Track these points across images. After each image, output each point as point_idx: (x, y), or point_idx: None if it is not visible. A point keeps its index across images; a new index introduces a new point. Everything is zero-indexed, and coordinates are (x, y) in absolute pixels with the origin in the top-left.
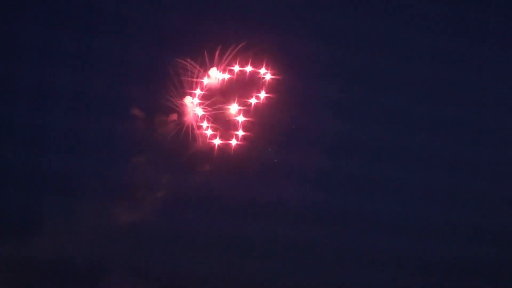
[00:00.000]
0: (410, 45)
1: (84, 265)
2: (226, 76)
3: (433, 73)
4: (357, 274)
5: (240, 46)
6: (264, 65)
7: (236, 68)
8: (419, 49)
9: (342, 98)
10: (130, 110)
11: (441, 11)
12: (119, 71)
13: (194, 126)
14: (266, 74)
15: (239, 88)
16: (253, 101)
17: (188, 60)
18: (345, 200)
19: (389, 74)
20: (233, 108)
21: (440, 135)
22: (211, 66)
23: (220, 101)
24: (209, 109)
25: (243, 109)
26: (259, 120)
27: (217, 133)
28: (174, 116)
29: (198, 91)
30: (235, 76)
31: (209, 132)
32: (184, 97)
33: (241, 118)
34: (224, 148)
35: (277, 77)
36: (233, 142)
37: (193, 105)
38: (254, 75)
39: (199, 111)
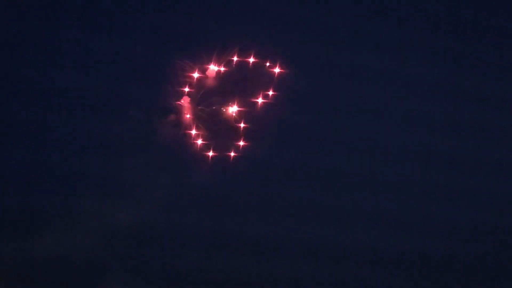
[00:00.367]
0: (410, 43)
1: (84, 265)
2: (226, 74)
3: (432, 72)
4: (357, 272)
5: (240, 45)
6: (266, 63)
7: (236, 66)
8: (419, 48)
9: (342, 97)
10: (130, 109)
11: (442, 10)
12: (119, 71)
13: (191, 128)
14: (270, 69)
15: (239, 88)
16: (252, 101)
17: (188, 60)
18: (344, 198)
19: (389, 72)
20: (233, 109)
21: (440, 133)
22: (210, 65)
23: (219, 101)
24: (207, 110)
25: (244, 110)
26: (259, 120)
27: (212, 142)
28: (173, 116)
29: (197, 91)
30: (235, 75)
31: (200, 141)
32: (183, 97)
33: (241, 124)
34: (223, 148)
35: (276, 76)
36: (232, 153)
37: (191, 105)
38: (253, 74)
39: (197, 112)
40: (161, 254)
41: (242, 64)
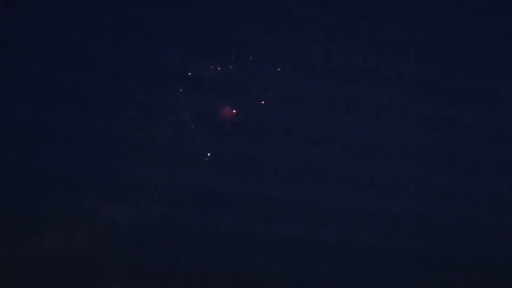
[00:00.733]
0: (410, 43)
1: (83, 265)
2: (225, 74)
3: (431, 71)
4: (356, 271)
5: (239, 44)
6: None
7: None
8: (417, 47)
9: (341, 96)
10: (130, 109)
11: (442, 10)
12: (118, 70)
13: (190, 128)
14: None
15: (238, 88)
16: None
17: (187, 59)
18: (344, 197)
19: (387, 72)
20: (231, 109)
21: (439, 133)
22: (209, 65)
23: (218, 101)
24: (206, 109)
25: (243, 110)
26: (258, 120)
27: (211, 142)
28: (171, 115)
29: (196, 90)
30: (234, 74)
31: (200, 140)
32: (182, 95)
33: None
34: (222, 147)
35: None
36: (231, 152)
37: (190, 105)
38: (252, 74)
39: (196, 111)
40: (161, 253)
41: (241, 63)
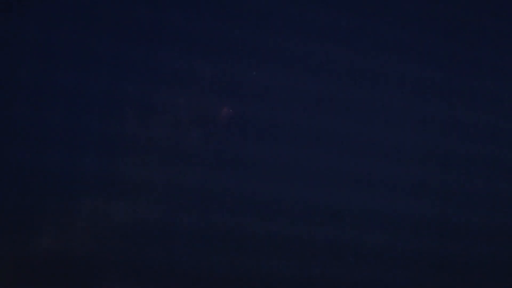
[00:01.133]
0: (408, 43)
1: (82, 264)
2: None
3: (430, 70)
4: (355, 271)
5: (238, 44)
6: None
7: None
8: (417, 48)
9: (339, 95)
10: (128, 108)
11: (441, 10)
12: (116, 69)
13: (189, 127)
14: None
15: (237, 87)
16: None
17: (185, 59)
18: (343, 197)
19: (386, 71)
20: (227, 110)
21: (437, 133)
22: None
23: (217, 100)
24: (205, 108)
25: (241, 109)
26: (257, 119)
27: (210, 141)
28: (170, 114)
29: (194, 89)
30: (232, 74)
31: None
32: (181, 95)
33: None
34: (221, 146)
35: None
36: (230, 151)
37: (189, 104)
38: (250, 73)
39: (194, 111)
40: (160, 253)
41: (241, 63)
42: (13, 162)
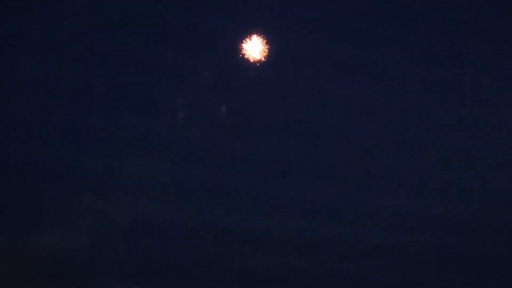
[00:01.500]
0: (408, 41)
1: (82, 263)
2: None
3: (431, 69)
4: (355, 270)
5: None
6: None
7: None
8: (417, 46)
9: (340, 94)
10: (130, 107)
11: (440, 8)
12: (118, 66)
13: (189, 125)
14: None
15: (235, 87)
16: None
17: (185, 58)
18: (343, 196)
19: (386, 70)
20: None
21: (437, 131)
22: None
23: (216, 99)
24: (204, 107)
25: (240, 107)
26: (256, 117)
27: (210, 139)
28: (170, 113)
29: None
30: (231, 74)
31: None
32: (181, 93)
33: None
34: (221, 144)
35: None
36: (230, 150)
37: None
38: (249, 71)
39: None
40: (161, 252)
41: (238, 63)
42: (15, 160)
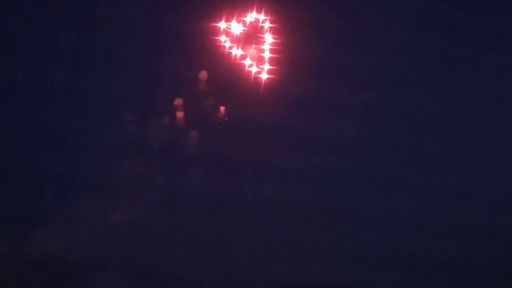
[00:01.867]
0: (406, 45)
1: (80, 266)
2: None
3: (430, 73)
4: (354, 272)
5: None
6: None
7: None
8: (415, 49)
9: (338, 98)
10: (125, 111)
11: (438, 12)
12: (114, 71)
13: (186, 130)
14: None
15: (234, 91)
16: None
17: (182, 62)
18: (341, 199)
19: (385, 74)
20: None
21: (435, 135)
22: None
23: (213, 103)
24: (201, 111)
25: (239, 112)
26: (254, 122)
27: (207, 143)
28: (168, 117)
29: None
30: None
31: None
32: (178, 99)
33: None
34: (218, 146)
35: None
36: (227, 154)
37: (186, 106)
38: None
39: (191, 113)
40: (158, 255)
41: (236, 68)
42: (12, 164)
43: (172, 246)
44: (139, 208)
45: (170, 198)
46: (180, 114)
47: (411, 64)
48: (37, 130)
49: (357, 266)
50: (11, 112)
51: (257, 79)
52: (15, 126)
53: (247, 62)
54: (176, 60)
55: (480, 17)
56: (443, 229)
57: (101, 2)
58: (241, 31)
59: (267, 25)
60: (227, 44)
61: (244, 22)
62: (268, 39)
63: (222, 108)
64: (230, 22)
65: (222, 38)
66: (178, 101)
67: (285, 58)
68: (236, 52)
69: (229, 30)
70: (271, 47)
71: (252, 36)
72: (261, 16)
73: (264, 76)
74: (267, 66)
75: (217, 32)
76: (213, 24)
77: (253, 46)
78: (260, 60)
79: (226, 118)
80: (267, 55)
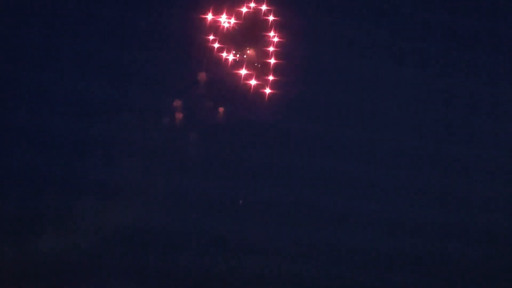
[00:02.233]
0: (406, 48)
1: (81, 267)
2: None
3: (430, 76)
4: (354, 273)
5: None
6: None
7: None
8: (415, 52)
9: (339, 100)
10: (126, 112)
11: (438, 15)
12: (115, 72)
13: (186, 130)
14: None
15: (232, 95)
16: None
17: (182, 63)
18: (342, 201)
19: (385, 77)
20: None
21: (435, 138)
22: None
23: (211, 105)
24: (201, 112)
25: (239, 114)
26: (253, 123)
27: (207, 143)
28: (168, 119)
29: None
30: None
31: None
32: (178, 100)
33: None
34: (217, 147)
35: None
36: (227, 155)
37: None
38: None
39: (191, 113)
40: (158, 256)
41: (238, 67)
42: (12, 164)
43: (173, 246)
44: (139, 209)
45: (170, 198)
46: (179, 115)
47: (411, 66)
48: (37, 130)
49: (357, 266)
50: (11, 112)
51: (257, 79)
52: (15, 126)
53: (247, 62)
54: (176, 60)
55: (480, 17)
56: (443, 229)
57: (101, 2)
58: (241, 31)
59: (269, 21)
60: (227, 44)
61: (244, 19)
62: (271, 38)
63: (221, 109)
64: (230, 20)
65: (222, 38)
66: (177, 102)
67: (285, 58)
68: (236, 52)
69: (229, 30)
70: (274, 48)
71: (253, 35)
72: (263, 14)
73: (264, 76)
74: (269, 67)
75: (216, 32)
76: (214, 21)
77: (253, 46)
78: (261, 61)
79: (226, 119)
80: (269, 55)
